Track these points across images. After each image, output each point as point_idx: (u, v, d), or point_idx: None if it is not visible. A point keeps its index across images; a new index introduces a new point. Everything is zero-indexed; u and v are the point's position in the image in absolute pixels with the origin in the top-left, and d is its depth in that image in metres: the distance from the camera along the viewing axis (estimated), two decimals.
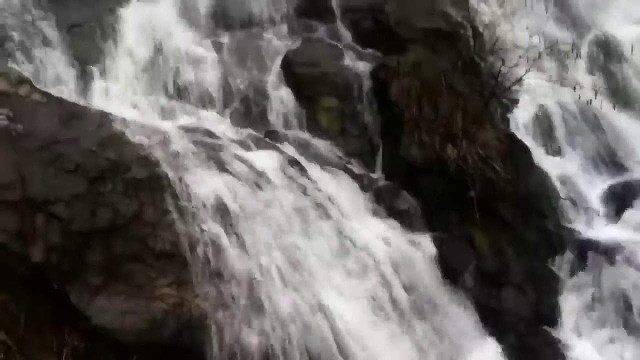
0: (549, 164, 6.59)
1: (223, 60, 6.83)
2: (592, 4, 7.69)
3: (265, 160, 5.64)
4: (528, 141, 6.60)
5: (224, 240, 4.90)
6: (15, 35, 6.06)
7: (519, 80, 5.80)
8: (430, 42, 6.88)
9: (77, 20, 6.45)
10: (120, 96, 6.27)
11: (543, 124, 6.64)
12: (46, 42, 6.16)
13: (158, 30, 6.72)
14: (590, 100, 6.33)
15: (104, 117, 5.23)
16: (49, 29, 6.24)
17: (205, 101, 6.63)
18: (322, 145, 6.48)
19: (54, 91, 5.59)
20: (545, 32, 7.03)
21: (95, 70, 6.22)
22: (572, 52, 6.49)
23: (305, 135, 6.54)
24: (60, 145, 4.72)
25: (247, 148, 5.88)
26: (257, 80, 6.79)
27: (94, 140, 4.85)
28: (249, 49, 7.00)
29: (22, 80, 5.01)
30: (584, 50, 6.95)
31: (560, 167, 6.65)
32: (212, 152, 5.50)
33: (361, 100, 6.64)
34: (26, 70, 5.73)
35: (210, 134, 5.94)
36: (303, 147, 6.32)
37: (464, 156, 5.90)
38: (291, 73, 6.82)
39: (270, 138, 6.33)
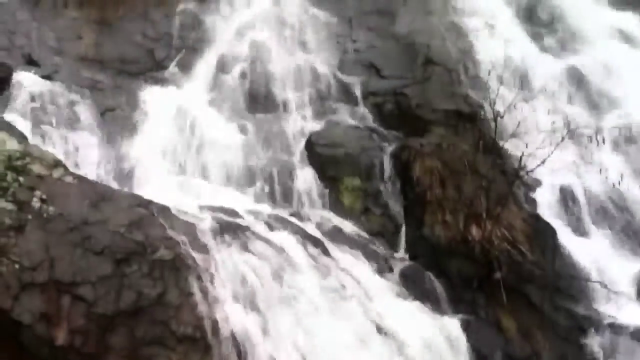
0: (577, 245, 6.47)
1: (248, 141, 7.03)
2: (611, 83, 7.82)
3: (289, 240, 5.65)
4: (554, 222, 6.52)
5: (247, 323, 4.84)
6: (53, 118, 6.36)
7: (543, 162, 5.84)
8: (451, 123, 7.02)
9: (111, 105, 6.77)
10: (148, 176, 6.46)
11: (568, 205, 6.60)
12: (81, 125, 6.44)
13: (187, 113, 7.00)
14: (618, 182, 6.29)
15: (132, 199, 5.34)
16: (85, 113, 6.54)
17: (230, 181, 6.77)
18: (345, 224, 6.49)
19: (85, 172, 5.78)
20: (566, 113, 7.15)
21: (125, 151, 6.44)
22: (595, 135, 6.54)
23: (328, 215, 6.58)
24: (89, 227, 4.81)
25: (271, 228, 5.91)
26: (281, 160, 6.95)
27: (122, 221, 4.94)
28: (273, 131, 7.22)
29: (56, 163, 5.18)
30: (606, 132, 7.00)
31: (588, 248, 6.52)
32: (236, 232, 5.53)
33: (384, 180, 6.72)
34: (61, 152, 5.96)
35: (234, 213, 6.00)
36: (326, 226, 6.33)
37: (488, 237, 5.85)
38: (315, 154, 6.97)
39: (293, 217, 6.37)
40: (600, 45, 8.06)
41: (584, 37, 8.17)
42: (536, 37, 8.30)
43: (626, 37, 8.27)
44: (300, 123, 7.39)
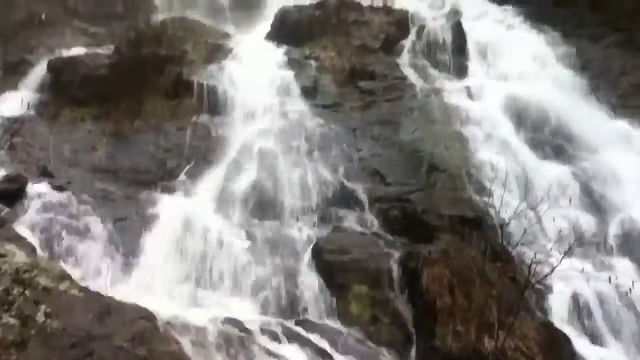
0: (593, 355, 6.23)
1: (255, 249, 7.04)
2: (613, 188, 7.90)
3: (295, 354, 5.49)
4: (567, 330, 6.33)
5: None
6: (64, 229, 6.45)
7: (552, 271, 5.78)
8: (458, 229, 7.02)
9: (121, 215, 6.89)
10: (156, 285, 6.43)
11: (581, 312, 6.43)
12: (91, 235, 6.52)
13: (195, 222, 7.09)
14: (630, 290, 6.19)
15: (137, 311, 5.29)
16: (95, 223, 6.64)
17: (237, 289, 6.71)
18: (353, 334, 6.32)
19: (93, 283, 5.77)
20: (572, 219, 7.18)
21: (134, 261, 6.46)
22: (602, 241, 6.53)
23: (335, 324, 6.43)
24: (92, 342, 4.73)
25: (277, 340, 5.78)
26: (288, 268, 6.91)
27: (126, 336, 4.86)
28: (280, 238, 7.25)
29: (63, 276, 5.20)
30: (613, 238, 6.99)
31: (605, 357, 6.28)
32: (242, 346, 5.42)
33: (392, 288, 6.62)
34: (70, 263, 5.99)
35: (240, 324, 5.90)
36: (333, 336, 6.17)
37: (502, 348, 5.66)
38: (322, 261, 6.94)
39: (300, 327, 6.24)
40: (600, 151, 8.23)
41: (583, 143, 8.37)
42: (535, 144, 8.50)
43: (625, 143, 8.46)
44: (306, 230, 7.43)
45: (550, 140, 8.63)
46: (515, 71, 9.78)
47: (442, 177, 7.81)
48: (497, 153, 8.12)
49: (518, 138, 8.53)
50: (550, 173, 7.85)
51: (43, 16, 10.92)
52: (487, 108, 8.91)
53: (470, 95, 9.30)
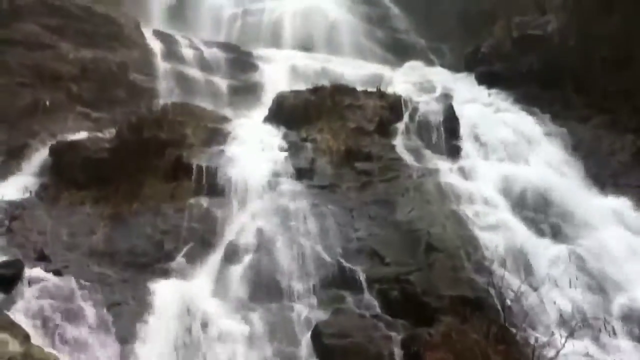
0: None
1: (253, 333, 6.91)
2: (613, 267, 7.89)
3: None
4: None
5: None
6: (59, 314, 6.34)
7: (557, 354, 5.67)
8: (459, 310, 6.94)
9: (117, 299, 6.80)
10: None
11: None
12: (86, 321, 6.40)
13: (191, 306, 6.99)
14: None
15: None
16: (91, 308, 6.54)
17: None
18: None
19: None
20: (574, 300, 7.12)
21: (129, 348, 6.31)
22: (605, 323, 6.46)
23: None
24: None
25: None
26: (287, 353, 6.76)
27: None
28: (278, 321, 7.13)
29: None
30: (616, 320, 6.91)
31: None
32: None
33: None
34: (65, 350, 5.84)
35: None
36: None
37: None
38: (321, 344, 6.79)
39: None
40: (596, 229, 8.30)
41: (579, 222, 8.46)
42: (531, 223, 8.58)
43: (621, 221, 8.55)
44: (305, 312, 7.33)
45: (546, 219, 8.71)
46: (507, 152, 10.05)
47: (440, 256, 7.82)
48: (495, 232, 8.18)
49: (514, 217, 8.61)
50: (549, 252, 7.88)
51: (47, 102, 11.24)
52: (482, 188, 9.06)
53: (464, 175, 9.48)
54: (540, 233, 8.46)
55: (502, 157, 10.05)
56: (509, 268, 7.30)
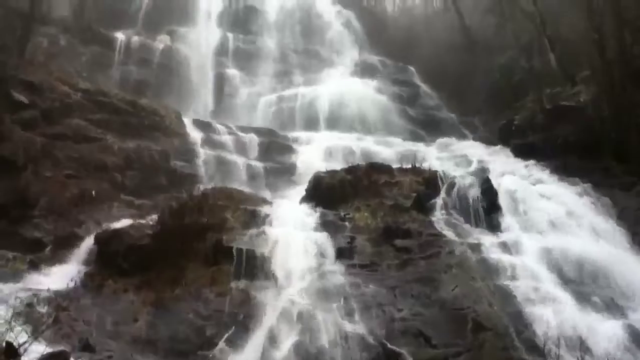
0: None
1: None
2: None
3: None
4: None
5: None
6: None
7: None
8: None
9: None
10: None
11: None
12: None
13: None
14: None
15: None
16: None
17: None
18: None
19: None
20: None
21: None
22: None
23: None
24: None
25: None
26: None
27: None
28: None
29: None
30: None
31: None
32: None
33: None
34: None
35: None
36: None
37: None
38: None
39: None
40: None
41: (631, 294, 8.10)
42: (580, 296, 8.26)
43: None
44: None
45: (596, 291, 8.39)
46: (550, 223, 9.85)
47: (489, 336, 7.53)
48: (544, 307, 7.88)
49: (563, 291, 8.31)
50: (604, 327, 7.51)
51: (93, 192, 11.69)
52: (527, 261, 8.84)
53: (507, 249, 9.29)
54: (592, 306, 8.11)
55: (544, 229, 9.85)
56: (563, 346, 6.96)
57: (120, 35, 19.38)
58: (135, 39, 19.71)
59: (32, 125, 12.52)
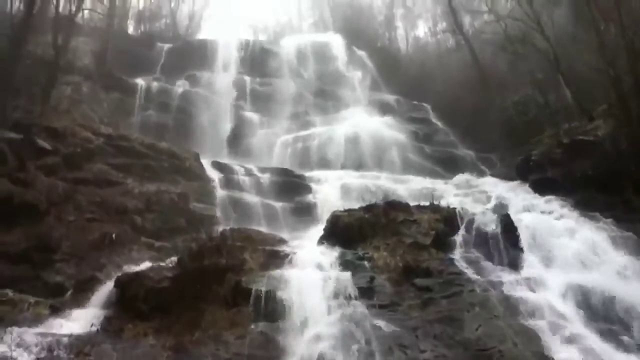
0: None
1: None
2: None
3: None
4: None
5: None
6: None
7: None
8: None
9: None
10: None
11: None
12: None
13: None
14: None
15: None
16: None
17: None
18: None
19: None
20: None
21: None
22: None
23: None
24: None
25: None
26: None
27: None
28: None
29: None
30: None
31: None
32: None
33: None
34: None
35: None
36: None
37: None
38: None
39: None
40: None
41: None
42: (608, 335, 8.05)
43: None
44: None
45: (625, 330, 8.16)
46: (572, 260, 9.69)
47: None
48: (571, 347, 7.69)
49: (589, 329, 8.11)
50: None
51: (113, 236, 11.81)
52: (551, 299, 8.68)
53: (530, 286, 9.13)
54: (621, 346, 7.88)
55: (567, 265, 9.68)
56: None
57: (140, 82, 19.92)
58: (155, 84, 20.24)
59: (54, 171, 12.80)
